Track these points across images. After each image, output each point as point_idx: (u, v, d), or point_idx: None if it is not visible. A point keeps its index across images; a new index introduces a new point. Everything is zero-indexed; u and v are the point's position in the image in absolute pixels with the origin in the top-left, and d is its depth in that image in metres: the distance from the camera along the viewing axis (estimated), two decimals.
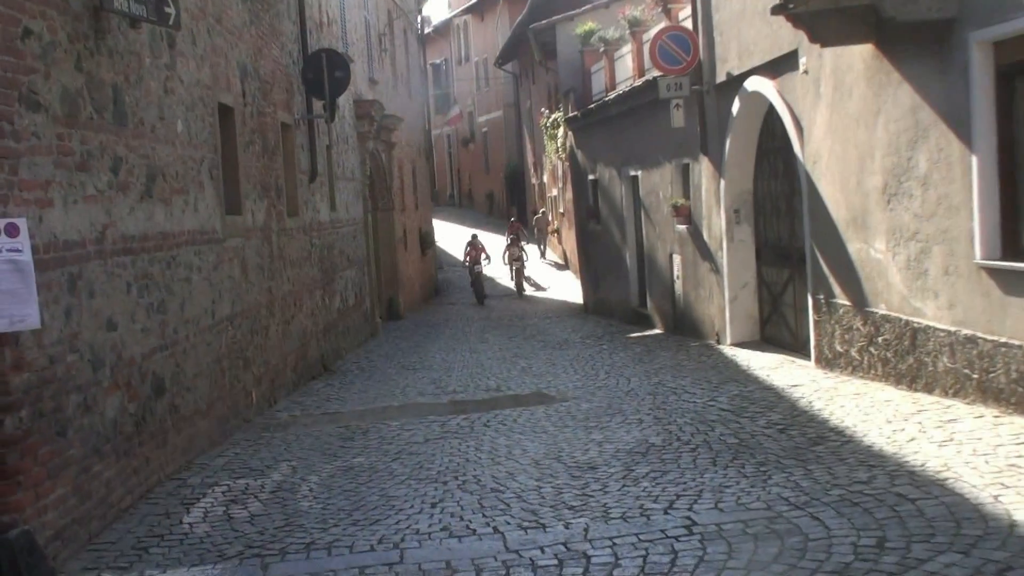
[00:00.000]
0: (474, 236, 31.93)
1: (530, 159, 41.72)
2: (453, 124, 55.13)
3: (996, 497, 6.38)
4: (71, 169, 7.25)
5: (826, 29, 10.23)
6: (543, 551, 6.35)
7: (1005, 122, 8.54)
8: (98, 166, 7.74)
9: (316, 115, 16.37)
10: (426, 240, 32.52)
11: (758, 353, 14.16)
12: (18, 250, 6.18)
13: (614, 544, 6.33)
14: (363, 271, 21.45)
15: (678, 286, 17.93)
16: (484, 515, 7.27)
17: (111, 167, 7.99)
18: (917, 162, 9.64)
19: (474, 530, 6.93)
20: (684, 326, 17.73)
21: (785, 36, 12.24)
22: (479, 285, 30.66)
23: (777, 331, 14.67)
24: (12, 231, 6.18)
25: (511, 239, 33.05)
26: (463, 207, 56.15)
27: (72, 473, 6.96)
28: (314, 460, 9.51)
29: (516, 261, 32.57)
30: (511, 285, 32.90)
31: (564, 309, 27.04)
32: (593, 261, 25.37)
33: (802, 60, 12.07)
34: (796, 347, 13.64)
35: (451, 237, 42.27)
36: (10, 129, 6.39)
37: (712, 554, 5.99)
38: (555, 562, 6.13)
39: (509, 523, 7.01)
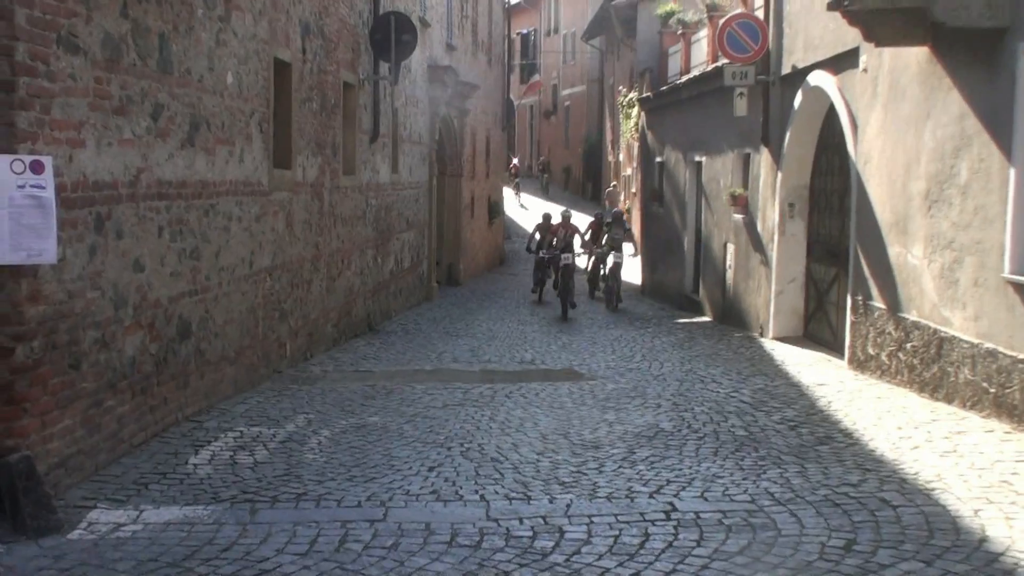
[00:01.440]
0: (566, 212, 22.48)
1: (608, 136, 41.61)
2: (533, 91, 55.05)
3: (976, 511, 6.37)
4: (108, 112, 7.48)
5: (881, 28, 10.13)
6: (521, 522, 6.48)
7: None
8: (137, 111, 7.97)
9: (381, 77, 16.54)
10: (495, 209, 32.63)
11: (797, 349, 14.10)
12: (41, 187, 6.42)
13: (591, 522, 6.44)
14: (423, 235, 21.66)
15: (729, 275, 17.87)
16: (476, 482, 7.42)
17: (151, 113, 8.22)
18: (959, 170, 9.53)
19: (462, 496, 7.08)
20: (731, 316, 17.68)
21: (848, 33, 12.08)
22: (567, 284, 19.97)
23: (819, 328, 14.59)
24: (37, 168, 6.42)
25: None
26: (541, 179, 56.11)
27: (83, 406, 7.22)
28: (331, 415, 9.72)
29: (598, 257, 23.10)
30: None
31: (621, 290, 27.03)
32: (653, 243, 25.32)
33: (862, 58, 11.95)
34: (835, 346, 13.57)
35: (526, 208, 42.50)
36: (45, 70, 6.62)
37: (682, 540, 6.08)
38: (530, 534, 6.26)
39: (497, 492, 7.15)
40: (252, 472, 7.65)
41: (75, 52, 7.02)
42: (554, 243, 21.73)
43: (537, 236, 22.70)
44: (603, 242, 21.92)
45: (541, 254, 22.28)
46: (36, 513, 6.25)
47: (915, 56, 10.41)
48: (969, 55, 9.35)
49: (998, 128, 8.84)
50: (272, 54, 11.28)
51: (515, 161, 48.60)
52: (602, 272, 22.20)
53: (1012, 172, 8.58)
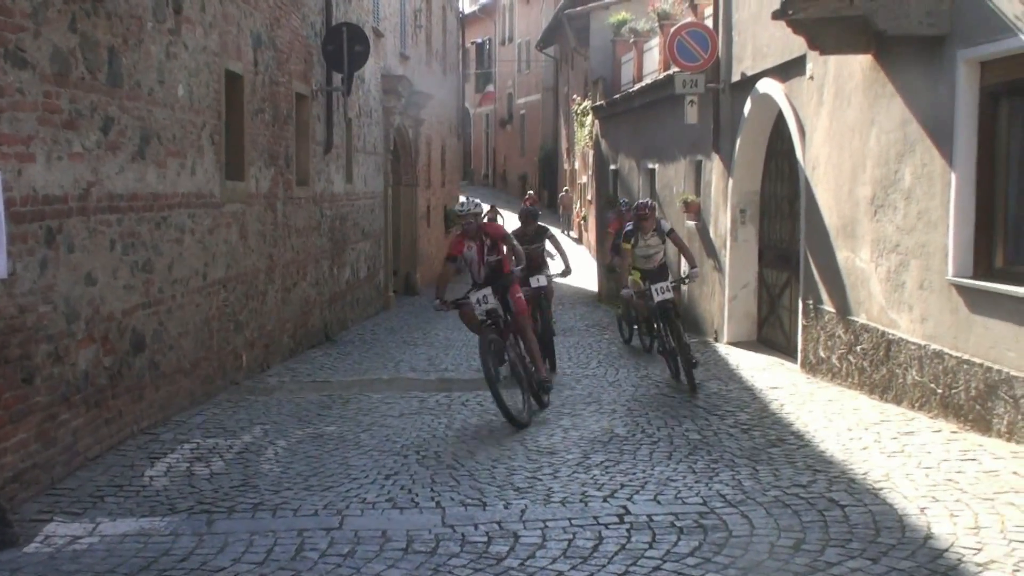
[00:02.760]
0: (527, 209, 14.70)
1: (564, 144, 41.84)
2: (488, 101, 55.27)
3: (923, 509, 6.49)
4: (57, 126, 7.48)
5: (825, 37, 10.29)
6: (477, 528, 6.53)
7: (986, 141, 8.60)
8: (87, 125, 7.97)
9: (334, 88, 16.57)
10: (451, 218, 32.67)
11: (751, 353, 14.26)
12: None
13: (545, 526, 6.51)
14: (379, 244, 21.68)
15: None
16: (432, 490, 7.47)
17: (101, 127, 8.22)
18: (903, 175, 9.71)
19: (417, 503, 7.13)
20: (687, 322, 17.71)
21: (795, 41, 12.24)
22: (547, 330, 13.22)
23: (773, 333, 14.76)
24: None
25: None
26: (496, 188, 56.31)
27: (37, 419, 7.21)
28: (288, 425, 9.74)
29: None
30: None
31: (578, 297, 27.14)
32: (608, 250, 25.44)
33: (808, 66, 12.13)
34: (788, 350, 13.73)
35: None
36: None
37: (635, 543, 6.15)
38: (485, 539, 6.31)
39: (453, 499, 7.20)
40: (208, 483, 7.66)
41: (23, 66, 7.02)
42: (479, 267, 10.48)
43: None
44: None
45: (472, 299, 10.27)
46: None
47: (859, 63, 10.60)
48: (911, 62, 9.53)
49: (939, 134, 9.02)
50: (223, 66, 11.29)
51: (530, 193, 42.53)
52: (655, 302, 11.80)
53: (953, 176, 8.76)
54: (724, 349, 14.85)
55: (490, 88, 54.28)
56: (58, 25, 7.48)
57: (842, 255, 11.21)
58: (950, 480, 7.12)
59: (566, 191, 39.73)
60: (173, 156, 9.80)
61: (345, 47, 15.87)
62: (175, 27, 9.83)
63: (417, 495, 7.33)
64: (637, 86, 21.88)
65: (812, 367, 12.08)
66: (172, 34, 9.76)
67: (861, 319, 10.69)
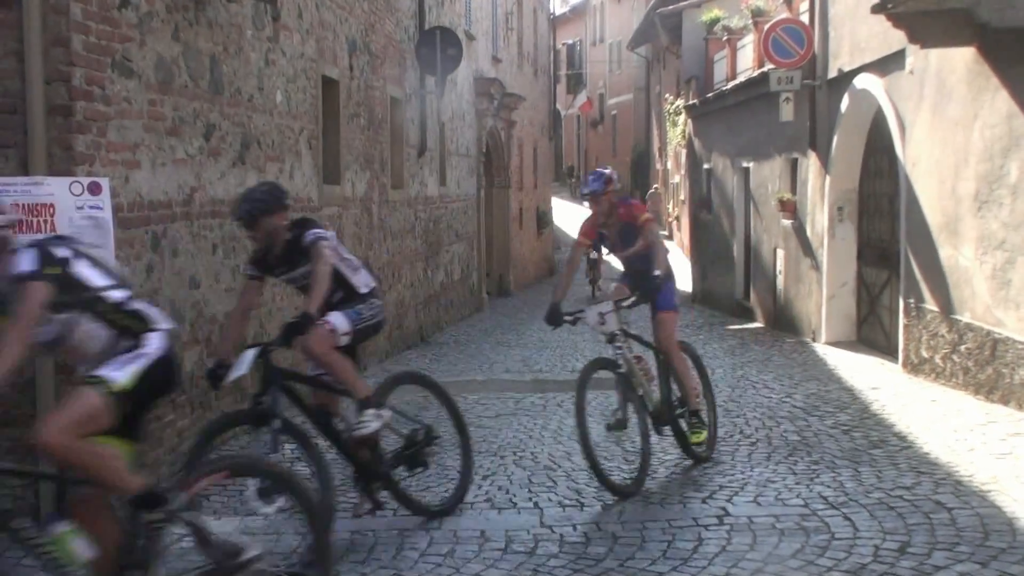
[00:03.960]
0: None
1: (656, 144, 41.62)
2: (583, 111, 55.24)
3: None
4: (161, 133, 7.67)
5: (926, 30, 10.10)
6: (575, 528, 6.54)
7: None
8: (190, 132, 8.15)
9: (427, 91, 16.70)
10: (543, 219, 32.76)
11: (850, 353, 14.03)
12: (99, 208, 6.59)
13: (644, 527, 6.48)
14: (472, 246, 21.80)
15: (780, 281, 17.81)
16: (530, 490, 7.49)
17: (204, 133, 8.40)
18: (1009, 170, 9.47)
19: (516, 504, 7.16)
20: (783, 322, 17.61)
21: (895, 35, 12.02)
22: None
23: (872, 332, 14.50)
24: (95, 189, 6.59)
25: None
26: None
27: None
28: None
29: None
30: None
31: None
32: (703, 251, 25.27)
33: (909, 60, 11.89)
34: (889, 350, 13.47)
35: (574, 218, 42.55)
36: (101, 94, 6.81)
37: (735, 544, 6.10)
38: (583, 540, 6.32)
39: (551, 500, 7.22)
40: (309, 483, 7.75)
41: (129, 76, 7.20)
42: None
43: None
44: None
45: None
46: None
47: (962, 56, 10.36)
48: (1017, 54, 9.29)
49: None
50: (320, 72, 11.46)
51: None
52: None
53: None
54: (822, 349, 14.63)
55: (584, 97, 54.25)
56: (162, 35, 7.67)
57: (944, 252, 10.96)
58: None
59: (655, 188, 39.54)
60: (272, 161, 9.97)
61: (438, 50, 16.01)
62: (273, 34, 10.00)
63: (515, 495, 7.36)
64: (731, 84, 21.66)
65: (914, 367, 11.84)
66: (271, 41, 9.93)
67: (965, 318, 10.44)
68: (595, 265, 24.49)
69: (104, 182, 6.64)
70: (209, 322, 8.51)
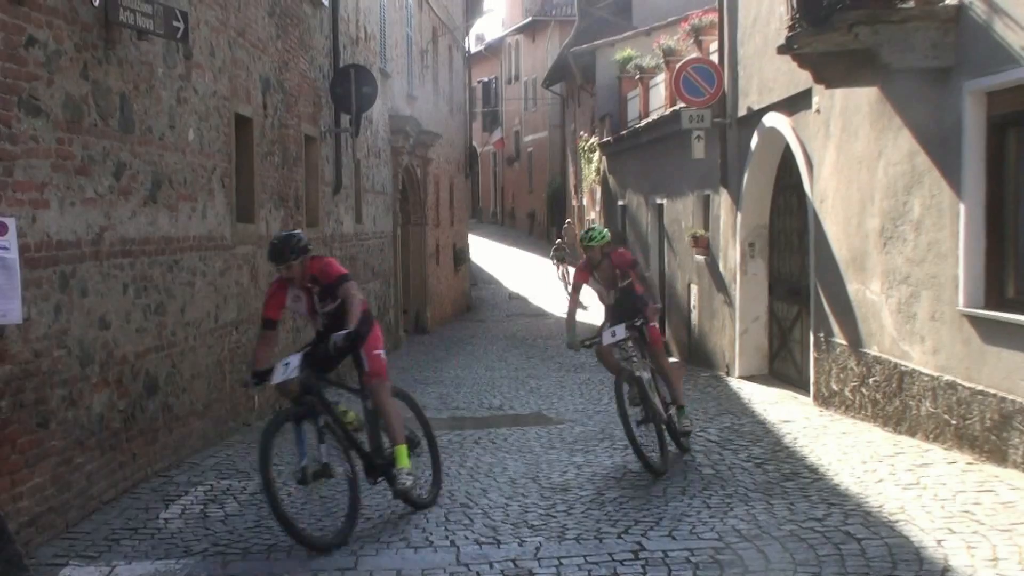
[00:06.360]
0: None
1: (572, 181, 41.96)
2: (497, 148, 55.61)
3: (940, 542, 6.47)
4: (70, 172, 7.55)
5: (830, 70, 10.36)
6: (492, 566, 6.54)
7: (995, 171, 8.62)
8: (100, 171, 8.04)
9: (342, 129, 16.68)
10: (460, 256, 32.76)
11: (763, 387, 14.24)
12: (5, 248, 6.45)
13: (560, 564, 6.50)
14: (389, 284, 21.73)
15: (694, 316, 18.04)
16: (446, 528, 7.47)
17: (113, 172, 8.29)
18: (912, 207, 9.74)
19: (432, 542, 7.13)
20: (698, 356, 17.82)
21: (801, 75, 12.30)
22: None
23: (784, 366, 14.74)
24: (1, 229, 6.46)
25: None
26: (505, 225, 56.48)
27: (51, 464, 7.23)
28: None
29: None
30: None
31: (591, 332, 27.17)
32: None
33: (815, 99, 12.19)
34: (800, 383, 13.71)
35: (491, 255, 42.75)
36: (7, 132, 6.70)
37: None
38: None
39: (467, 538, 7.20)
40: (223, 525, 7.67)
41: (36, 114, 7.09)
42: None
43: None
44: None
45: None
46: (7, 572, 6.23)
47: (866, 96, 10.65)
48: (917, 94, 9.58)
49: (948, 164, 9.05)
50: (233, 110, 11.38)
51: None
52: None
53: (962, 207, 8.78)
54: (736, 383, 14.83)
55: (499, 135, 54.60)
56: (70, 73, 7.57)
57: (852, 287, 11.21)
58: (967, 512, 7.09)
59: (568, 223, 39.90)
60: (184, 200, 9.87)
61: (353, 89, 16.00)
62: (185, 72, 9.92)
63: (431, 534, 7.33)
64: (644, 122, 21.99)
65: (825, 400, 12.06)
66: (182, 79, 9.85)
67: (873, 351, 10.68)
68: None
69: (11, 222, 6.52)
70: (119, 362, 8.37)
